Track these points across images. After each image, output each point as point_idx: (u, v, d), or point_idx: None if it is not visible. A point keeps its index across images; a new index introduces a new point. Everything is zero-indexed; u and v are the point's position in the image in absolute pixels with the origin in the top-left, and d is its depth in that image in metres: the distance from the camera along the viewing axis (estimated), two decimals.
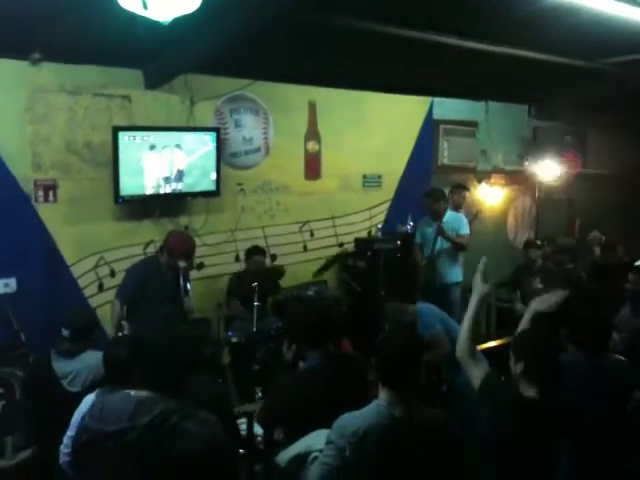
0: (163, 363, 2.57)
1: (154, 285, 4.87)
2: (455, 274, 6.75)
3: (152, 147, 5.51)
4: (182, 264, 4.85)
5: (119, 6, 3.29)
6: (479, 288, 3.35)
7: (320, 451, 2.71)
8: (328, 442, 2.66)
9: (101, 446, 2.39)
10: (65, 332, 3.77)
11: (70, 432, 3.15)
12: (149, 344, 2.73)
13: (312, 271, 6.90)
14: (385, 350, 2.81)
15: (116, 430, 2.37)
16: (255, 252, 5.96)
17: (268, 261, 6.45)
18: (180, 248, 4.91)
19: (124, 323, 4.53)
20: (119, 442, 2.36)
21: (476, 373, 3.12)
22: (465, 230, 6.72)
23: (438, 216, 6.68)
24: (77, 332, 3.79)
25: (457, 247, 6.67)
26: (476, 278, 3.38)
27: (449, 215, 6.75)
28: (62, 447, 3.22)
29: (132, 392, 2.51)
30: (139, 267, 5.06)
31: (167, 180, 5.65)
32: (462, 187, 7.40)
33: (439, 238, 6.63)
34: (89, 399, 3.13)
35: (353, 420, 2.65)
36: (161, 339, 2.73)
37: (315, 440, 2.82)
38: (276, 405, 3.31)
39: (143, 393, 2.49)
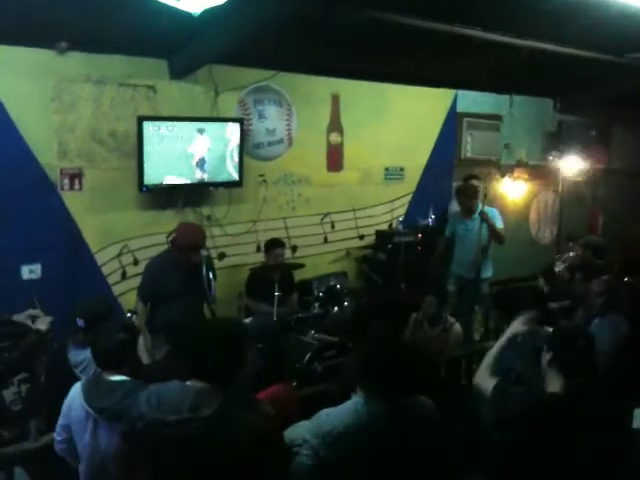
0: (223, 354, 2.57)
1: (170, 280, 4.79)
2: (488, 269, 6.70)
3: (176, 137, 5.54)
4: (195, 256, 4.74)
5: None
6: (514, 329, 3.41)
7: (299, 446, 2.65)
8: (304, 441, 2.61)
9: (159, 435, 2.43)
10: (80, 322, 3.80)
11: (61, 420, 3.17)
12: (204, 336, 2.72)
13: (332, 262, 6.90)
14: (363, 351, 2.81)
15: (177, 420, 2.41)
16: (275, 245, 5.93)
17: (289, 252, 6.49)
18: (188, 240, 4.80)
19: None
20: (179, 432, 2.40)
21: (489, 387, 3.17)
22: (498, 224, 6.55)
23: (471, 212, 6.58)
24: (91, 322, 3.81)
25: (496, 236, 6.52)
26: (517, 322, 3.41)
27: (479, 208, 6.64)
28: (55, 435, 3.22)
29: (188, 382, 2.54)
30: (153, 264, 5.00)
31: (190, 170, 5.69)
32: (472, 176, 7.32)
33: (482, 230, 6.51)
34: (77, 387, 3.15)
35: (328, 419, 2.61)
36: (222, 334, 2.72)
37: (297, 432, 2.73)
38: None
39: (199, 384, 2.51)
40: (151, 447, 2.46)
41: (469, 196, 6.57)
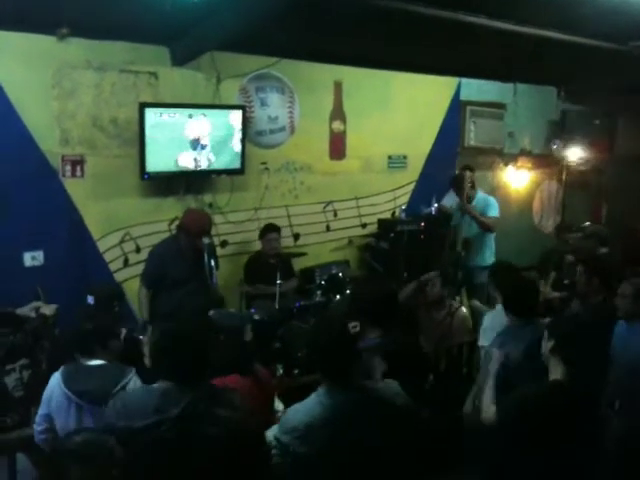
0: (193, 356, 2.57)
1: (175, 266, 4.85)
2: (482, 258, 6.69)
3: (178, 124, 5.52)
4: (200, 242, 4.75)
5: None
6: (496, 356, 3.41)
7: (274, 447, 2.69)
8: (275, 439, 2.65)
9: (132, 442, 2.40)
10: (90, 299, 3.82)
11: (41, 410, 3.18)
12: (179, 338, 2.67)
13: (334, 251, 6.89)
14: (315, 343, 2.85)
15: (145, 425, 2.38)
16: (269, 230, 5.89)
17: (290, 240, 6.49)
18: (195, 226, 4.83)
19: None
20: (150, 437, 2.38)
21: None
22: (492, 212, 6.58)
23: (467, 200, 6.60)
24: (101, 301, 3.83)
25: (482, 226, 6.58)
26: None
27: (478, 197, 6.67)
28: (35, 425, 3.23)
29: (154, 385, 2.54)
30: (158, 250, 5.04)
31: (192, 157, 5.67)
32: (466, 167, 7.32)
33: (465, 219, 6.55)
34: (56, 376, 3.15)
35: (295, 415, 2.65)
36: (190, 333, 2.69)
37: (268, 435, 2.76)
38: None
39: (164, 384, 2.50)
40: (127, 455, 2.41)
41: (460, 187, 6.60)
